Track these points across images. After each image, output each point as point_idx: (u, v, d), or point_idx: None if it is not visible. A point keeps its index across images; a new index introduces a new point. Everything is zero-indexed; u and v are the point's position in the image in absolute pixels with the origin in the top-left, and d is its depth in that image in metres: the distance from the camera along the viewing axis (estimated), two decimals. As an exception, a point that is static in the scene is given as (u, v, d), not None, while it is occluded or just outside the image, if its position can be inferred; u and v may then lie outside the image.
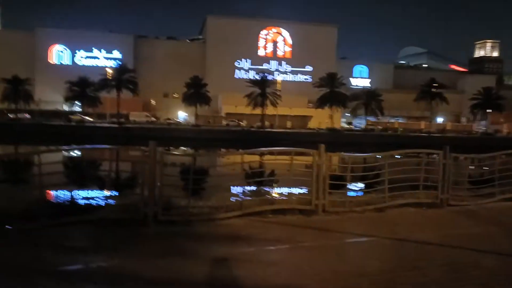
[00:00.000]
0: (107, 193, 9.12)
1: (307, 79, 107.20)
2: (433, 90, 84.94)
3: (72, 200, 8.77)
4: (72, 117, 72.31)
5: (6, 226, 6.66)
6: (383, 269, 5.37)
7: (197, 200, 8.74)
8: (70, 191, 9.75)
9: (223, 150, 44.37)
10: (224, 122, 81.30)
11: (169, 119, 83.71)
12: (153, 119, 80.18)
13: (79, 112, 76.69)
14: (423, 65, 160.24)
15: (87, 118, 72.80)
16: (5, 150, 42.55)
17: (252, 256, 5.70)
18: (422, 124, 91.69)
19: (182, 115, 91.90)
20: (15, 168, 15.93)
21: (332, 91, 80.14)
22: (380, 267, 5.42)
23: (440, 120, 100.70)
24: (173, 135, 57.57)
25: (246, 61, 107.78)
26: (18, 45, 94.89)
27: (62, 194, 10.89)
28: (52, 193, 10.88)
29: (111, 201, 8.39)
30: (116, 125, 64.96)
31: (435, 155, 9.99)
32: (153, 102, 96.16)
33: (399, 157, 11.18)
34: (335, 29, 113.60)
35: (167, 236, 6.55)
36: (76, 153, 25.72)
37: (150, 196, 7.05)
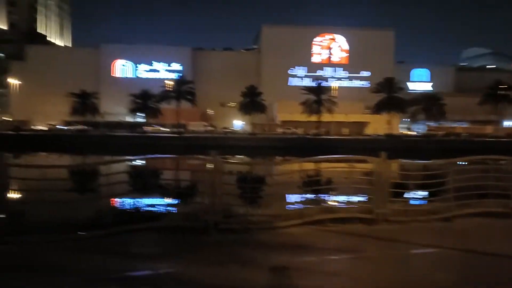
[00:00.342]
0: (170, 201, 9.45)
1: (364, 84, 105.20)
2: (500, 92, 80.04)
3: (138, 208, 9.19)
4: (147, 128, 75.43)
5: (79, 233, 7.10)
6: (451, 282, 5.13)
7: (256, 208, 8.82)
8: (135, 199, 10.21)
9: (279, 158, 44.41)
10: (279, 130, 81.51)
11: (225, 128, 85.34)
12: (211, 128, 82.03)
13: (145, 123, 79.98)
14: (488, 66, 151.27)
15: (161, 128, 75.25)
16: (74, 160, 45.30)
17: (314, 266, 5.64)
18: (488, 129, 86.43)
19: (238, 124, 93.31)
20: (83, 177, 16.83)
21: (390, 96, 77.92)
22: (447, 280, 5.18)
23: (508, 123, 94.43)
24: (229, 143, 58.59)
25: (301, 69, 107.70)
26: (85, 61, 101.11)
27: (128, 203, 11.42)
28: (119, 201, 11.44)
29: (174, 210, 8.68)
30: (176, 135, 67.15)
31: (504, 161, 9.38)
32: (210, 111, 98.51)
33: (463, 163, 10.63)
34: (392, 32, 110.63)
35: (227, 244, 6.63)
36: (139, 162, 26.77)
37: (211, 205, 7.22)
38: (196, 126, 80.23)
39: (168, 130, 74.30)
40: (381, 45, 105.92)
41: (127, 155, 45.83)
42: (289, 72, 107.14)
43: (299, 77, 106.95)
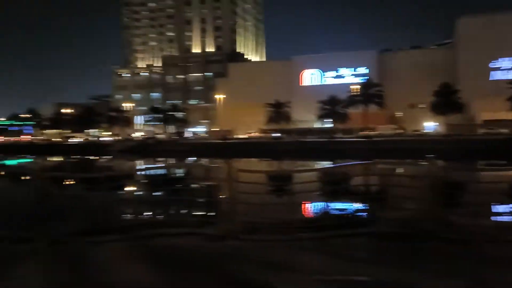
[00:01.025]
0: (378, 207, 9.50)
1: None
2: None
3: (346, 213, 9.55)
4: (362, 133, 75.27)
5: (299, 234, 7.78)
6: None
7: (472, 217, 8.17)
8: (340, 204, 10.58)
9: (482, 162, 39.86)
10: (481, 131, 72.60)
11: (416, 130, 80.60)
12: (400, 131, 78.58)
13: (332, 128, 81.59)
14: None
15: (398, 131, 74.43)
16: (273, 165, 49.22)
17: None
18: None
19: (430, 126, 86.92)
20: (283, 181, 17.94)
21: None
22: None
23: None
24: (421, 146, 54.98)
25: (507, 60, 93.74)
26: (278, 72, 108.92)
27: (333, 207, 11.94)
28: (324, 205, 12.04)
29: (384, 216, 8.68)
30: (364, 139, 66.62)
31: None
32: (398, 114, 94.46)
33: None
34: None
35: (451, 255, 6.27)
36: (334, 167, 27.52)
37: (429, 212, 7.01)
38: (385, 130, 77.94)
39: (389, 133, 72.68)
40: None
41: (320, 160, 47.49)
42: (491, 65, 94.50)
43: (505, 70, 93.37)
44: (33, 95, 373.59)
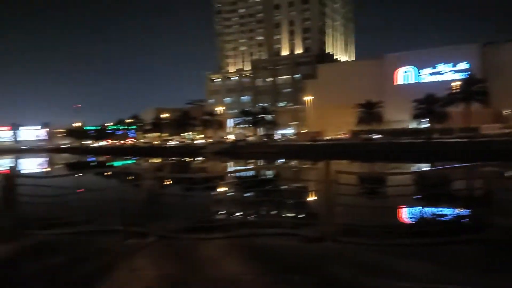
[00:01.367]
0: (485, 213, 8.80)
1: None
2: None
3: (451, 219, 8.96)
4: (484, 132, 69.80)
5: (399, 239, 7.47)
6: None
7: None
8: (442, 209, 9.95)
9: None
10: None
11: (528, 129, 72.81)
12: (508, 130, 71.49)
13: (428, 129, 76.79)
14: None
15: (506, 131, 68.75)
16: (363, 168, 47.86)
17: None
18: None
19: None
20: (373, 184, 17.27)
21: None
22: None
23: None
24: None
25: None
26: (368, 72, 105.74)
27: (435, 212, 11.26)
28: (425, 210, 11.41)
29: (494, 222, 8.02)
30: (465, 140, 61.76)
31: None
32: (506, 112, 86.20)
33: None
34: None
35: None
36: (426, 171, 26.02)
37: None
38: (490, 129, 71.51)
39: (495, 133, 66.61)
40: None
41: (417, 162, 45.18)
42: None
43: None
44: (137, 101, 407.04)
